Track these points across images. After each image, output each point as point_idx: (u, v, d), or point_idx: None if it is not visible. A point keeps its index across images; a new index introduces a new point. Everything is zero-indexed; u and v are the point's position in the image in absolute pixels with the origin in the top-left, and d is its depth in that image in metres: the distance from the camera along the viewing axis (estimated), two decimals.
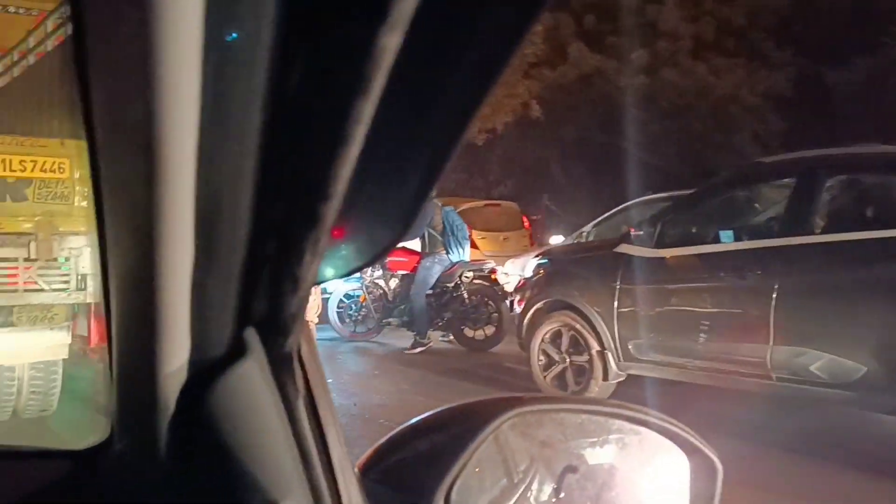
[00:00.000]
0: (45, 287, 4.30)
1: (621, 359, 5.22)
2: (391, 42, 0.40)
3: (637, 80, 15.58)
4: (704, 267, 4.88)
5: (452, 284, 7.78)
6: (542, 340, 5.69)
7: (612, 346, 5.25)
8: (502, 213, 12.13)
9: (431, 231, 7.88)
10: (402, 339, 8.08)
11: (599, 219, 9.21)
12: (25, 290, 4.26)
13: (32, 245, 4.25)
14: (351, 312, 8.30)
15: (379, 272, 8.23)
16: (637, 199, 8.77)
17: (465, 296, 7.75)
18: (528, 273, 6.60)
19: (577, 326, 5.46)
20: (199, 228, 0.48)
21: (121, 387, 0.58)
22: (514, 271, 8.94)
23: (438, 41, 0.44)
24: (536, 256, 6.53)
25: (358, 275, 8.22)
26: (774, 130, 14.56)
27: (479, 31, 0.44)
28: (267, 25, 0.42)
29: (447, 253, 7.88)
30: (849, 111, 13.30)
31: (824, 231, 4.49)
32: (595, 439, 0.93)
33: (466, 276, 7.82)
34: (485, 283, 7.88)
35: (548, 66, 15.37)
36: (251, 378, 0.53)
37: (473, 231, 11.30)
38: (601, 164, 15.42)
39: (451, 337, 8.05)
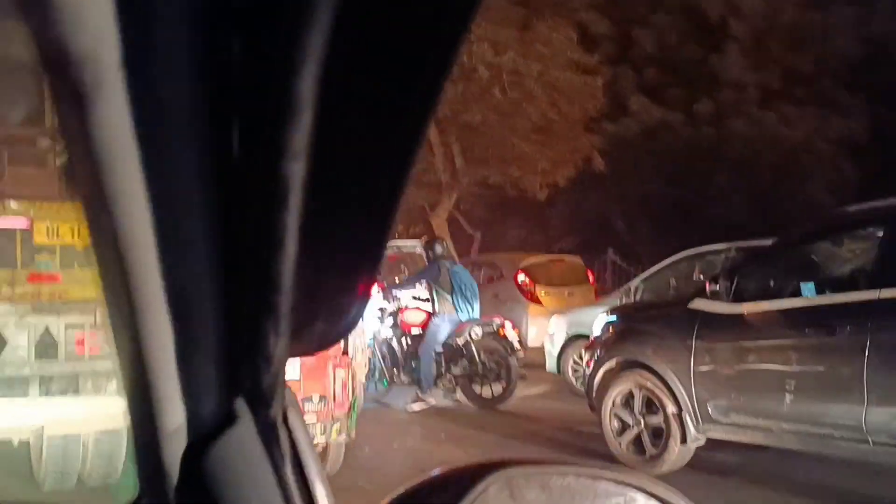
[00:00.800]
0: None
1: (700, 421, 4.94)
2: (296, 168, 0.48)
3: (702, 131, 15.36)
4: (788, 322, 4.61)
5: (462, 342, 7.79)
6: (614, 403, 5.43)
7: (690, 407, 4.97)
8: (566, 267, 11.91)
9: (440, 290, 7.96)
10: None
11: (648, 272, 8.93)
12: (91, 357, 4.27)
13: (99, 312, 4.27)
14: None
15: (390, 331, 8.15)
16: (686, 252, 8.47)
17: (474, 353, 7.74)
18: (596, 331, 6.40)
19: (652, 387, 5.20)
20: (174, 316, 0.55)
21: (138, 453, 0.63)
22: (560, 328, 8.76)
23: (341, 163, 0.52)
24: (606, 313, 6.31)
25: (371, 333, 8.18)
26: (848, 179, 14.08)
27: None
28: (195, 146, 0.49)
29: (457, 311, 7.93)
30: None
31: None
32: (581, 501, 0.93)
33: (475, 334, 7.81)
34: (494, 340, 7.83)
35: (609, 119, 15.27)
36: (242, 444, 0.59)
37: (537, 286, 11.16)
38: (667, 217, 15.13)
39: (460, 394, 7.98)
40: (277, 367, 0.59)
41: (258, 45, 0.46)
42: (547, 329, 9.11)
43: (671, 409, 5.07)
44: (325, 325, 0.64)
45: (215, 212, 0.52)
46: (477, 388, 7.86)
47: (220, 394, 0.60)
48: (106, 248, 0.53)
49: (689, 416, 4.98)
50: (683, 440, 5.03)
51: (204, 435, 0.60)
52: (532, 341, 10.03)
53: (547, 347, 8.93)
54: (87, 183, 0.50)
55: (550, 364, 8.81)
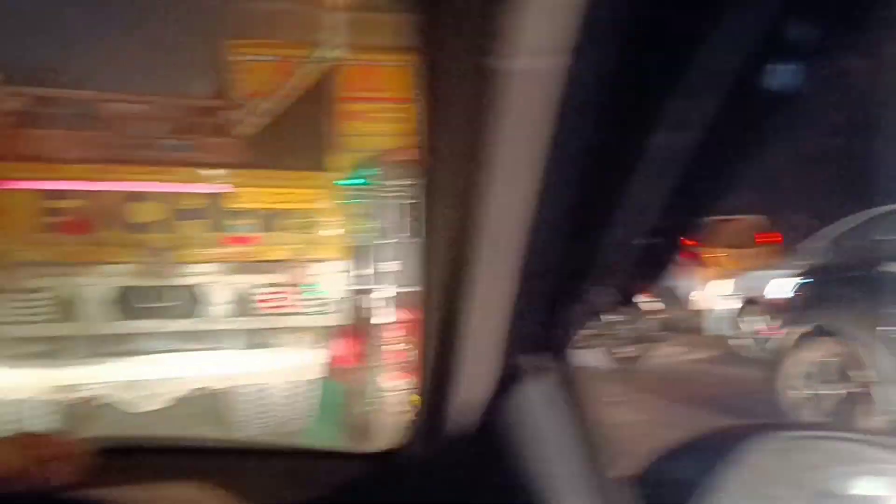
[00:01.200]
0: (303, 310, 4.56)
1: None
2: (672, 141, 0.50)
3: (884, 77, 14.14)
4: None
5: None
6: (798, 371, 5.17)
7: (885, 377, 4.65)
8: (735, 229, 11.31)
9: None
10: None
11: (828, 232, 8.29)
12: (285, 314, 4.54)
13: (291, 271, 4.52)
14: None
15: None
16: (872, 211, 7.76)
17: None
18: (771, 294, 6.12)
19: (844, 354, 4.90)
20: (510, 272, 0.56)
21: (425, 398, 0.66)
22: (728, 292, 8.55)
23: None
24: (786, 276, 5.98)
25: None
26: None
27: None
28: (586, 125, 0.50)
29: None
30: None
31: None
32: (855, 467, 0.89)
33: None
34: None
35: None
36: (533, 398, 0.62)
37: (704, 249, 10.71)
38: (845, 174, 14.11)
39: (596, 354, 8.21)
40: (570, 328, 0.62)
41: (682, 28, 0.48)
42: (714, 293, 8.82)
43: (863, 378, 4.77)
44: (615, 295, 0.65)
45: (573, 180, 0.53)
46: (614, 350, 8.06)
47: (519, 348, 0.62)
48: (449, 206, 0.55)
49: (884, 386, 4.67)
50: (878, 412, 4.72)
51: (498, 388, 0.62)
52: (699, 305, 9.72)
53: (713, 311, 8.66)
54: (473, 146, 0.52)
55: (717, 328, 8.54)
